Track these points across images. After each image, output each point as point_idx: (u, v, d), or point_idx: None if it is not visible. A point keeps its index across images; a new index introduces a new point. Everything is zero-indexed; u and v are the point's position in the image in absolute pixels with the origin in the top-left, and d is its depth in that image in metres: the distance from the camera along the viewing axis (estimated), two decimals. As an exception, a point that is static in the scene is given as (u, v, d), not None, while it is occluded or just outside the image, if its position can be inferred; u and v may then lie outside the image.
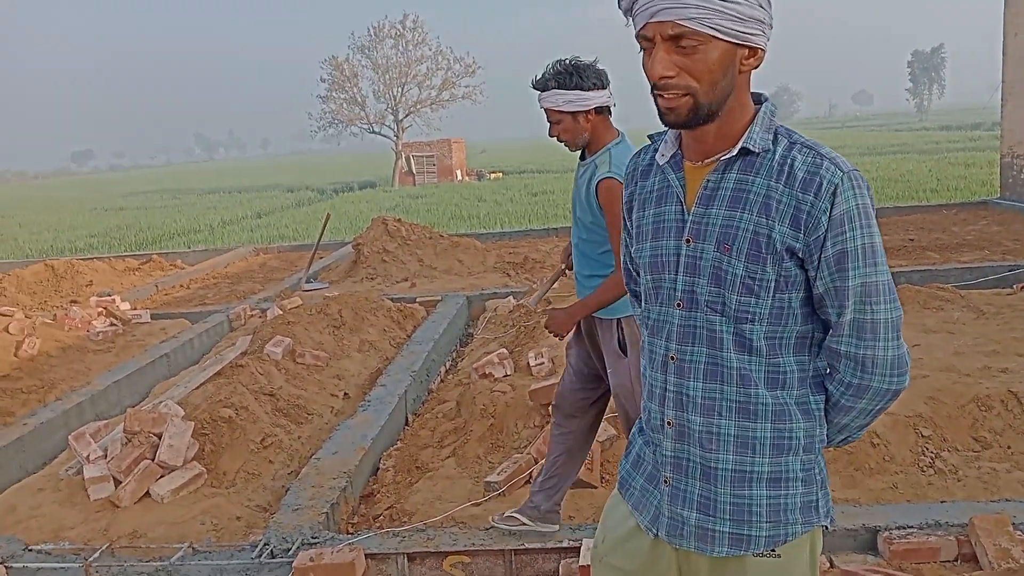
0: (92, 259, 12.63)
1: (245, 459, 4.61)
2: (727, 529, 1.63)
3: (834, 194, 1.48)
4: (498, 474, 3.99)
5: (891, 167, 25.67)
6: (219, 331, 8.09)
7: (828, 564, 3.16)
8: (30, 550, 3.73)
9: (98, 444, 4.64)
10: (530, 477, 4.06)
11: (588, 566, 3.09)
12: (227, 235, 20.59)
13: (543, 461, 4.11)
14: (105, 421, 5.36)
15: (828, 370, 1.64)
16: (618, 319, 2.96)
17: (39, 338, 7.13)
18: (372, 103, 41.45)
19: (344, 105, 41.70)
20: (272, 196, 34.60)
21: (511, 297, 7.52)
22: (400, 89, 41.10)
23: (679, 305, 1.62)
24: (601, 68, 2.78)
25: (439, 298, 8.46)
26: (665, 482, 1.69)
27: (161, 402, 4.97)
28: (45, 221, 28.37)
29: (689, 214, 1.59)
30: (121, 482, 4.28)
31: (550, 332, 3.02)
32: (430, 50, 40.67)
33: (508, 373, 4.96)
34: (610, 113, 2.88)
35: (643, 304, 1.75)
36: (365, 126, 41.88)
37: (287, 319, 6.76)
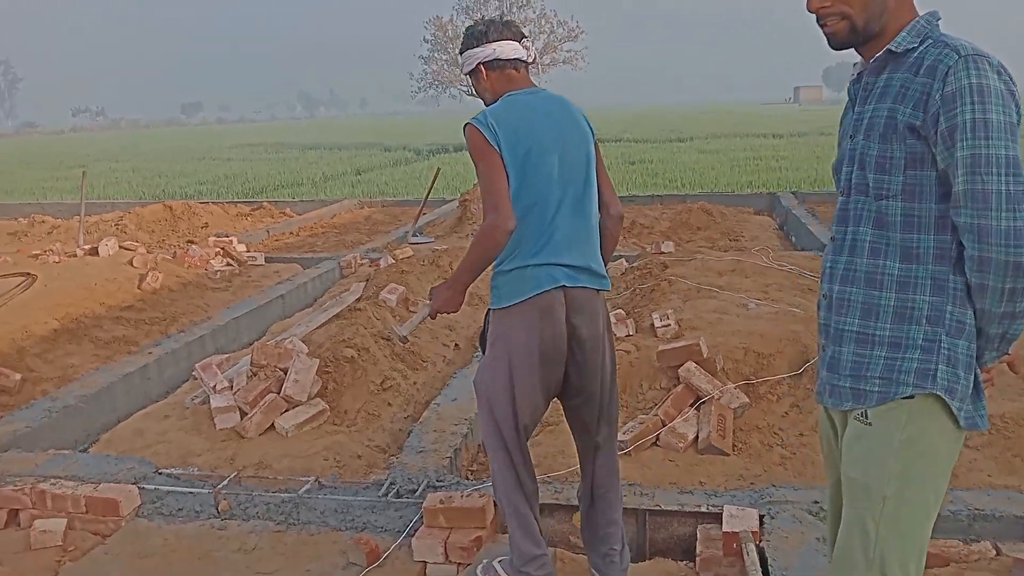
0: (206, 203, 13.00)
1: (365, 399, 4.62)
2: (847, 384, 1.84)
3: (947, 75, 1.65)
4: (624, 433, 3.85)
5: None
6: (331, 277, 8.18)
7: (994, 552, 2.91)
8: (160, 473, 3.81)
9: (224, 375, 4.72)
10: (657, 439, 3.91)
11: (734, 532, 2.94)
12: (328, 190, 20.93)
13: (669, 423, 3.97)
14: (227, 355, 5.46)
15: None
16: (488, 309, 2.70)
17: (161, 273, 7.34)
18: (473, 65, 41.31)
19: (445, 66, 41.79)
20: (371, 155, 35.00)
21: (623, 260, 7.33)
22: (502, 52, 40.80)
23: (842, 193, 1.87)
24: (492, 22, 2.72)
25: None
26: (822, 348, 1.94)
27: (286, 338, 5.01)
28: (157, 168, 29.49)
29: (853, 114, 1.87)
30: (247, 413, 4.34)
31: (439, 312, 2.71)
32: (534, 12, 40.22)
33: (630, 333, 4.80)
34: (518, 67, 2.70)
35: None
36: (464, 88, 41.84)
37: (400, 268, 6.77)
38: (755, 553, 2.80)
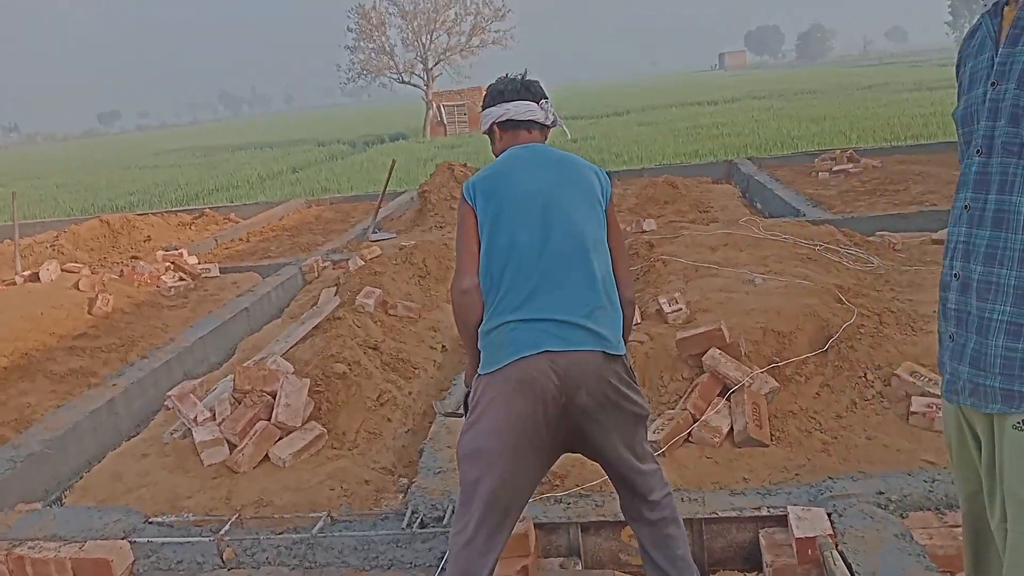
0: (145, 214, 12.32)
1: (364, 417, 4.26)
2: (997, 384, 1.56)
3: None
4: (654, 433, 3.59)
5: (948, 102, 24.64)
6: (294, 284, 7.74)
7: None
8: (151, 522, 3.41)
9: (203, 404, 4.32)
10: (689, 435, 3.66)
11: (809, 538, 2.70)
12: (267, 190, 20.26)
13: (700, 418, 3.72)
14: (199, 379, 5.04)
15: None
16: (477, 374, 2.43)
17: (111, 295, 6.81)
18: (401, 52, 40.63)
19: (373, 55, 40.88)
20: (304, 151, 34.14)
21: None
22: (429, 36, 40.19)
23: (979, 152, 1.59)
24: (512, 81, 2.65)
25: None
26: (951, 338, 1.67)
27: (267, 357, 4.62)
28: (82, 181, 28.17)
29: (997, 56, 1.56)
30: (236, 445, 3.95)
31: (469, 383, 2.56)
32: (459, -7, 39.63)
33: (637, 321, 4.53)
34: (531, 128, 2.59)
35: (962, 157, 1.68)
36: (395, 76, 41.09)
37: (373, 269, 6.38)
38: (841, 561, 2.56)
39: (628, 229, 6.95)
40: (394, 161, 9.69)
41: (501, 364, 2.25)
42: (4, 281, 7.17)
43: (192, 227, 11.93)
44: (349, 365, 4.40)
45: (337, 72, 42.59)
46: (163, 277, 7.69)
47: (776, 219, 6.76)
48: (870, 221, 7.53)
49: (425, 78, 40.50)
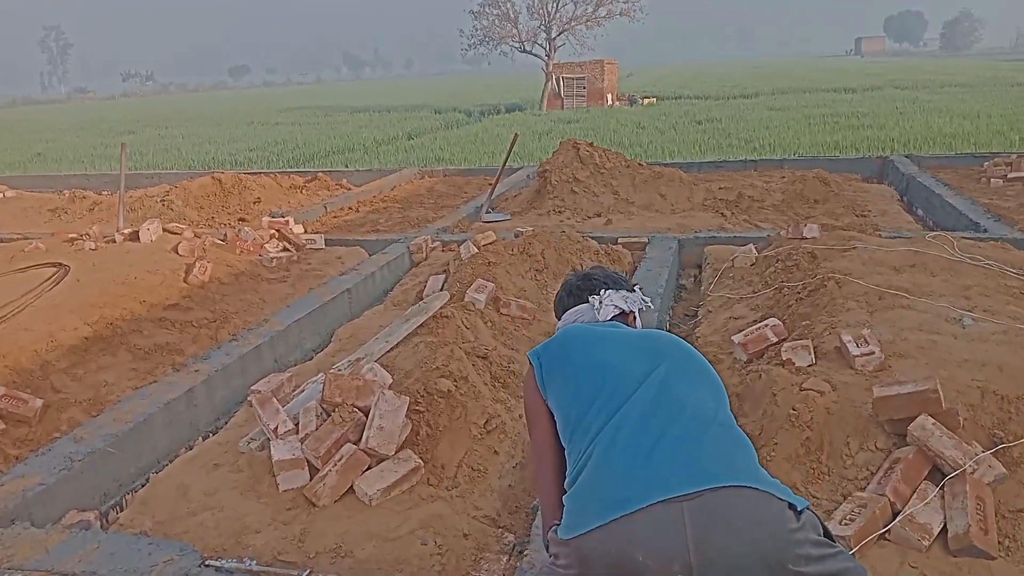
0: (258, 174, 12.05)
1: (467, 447, 3.58)
2: None
3: None
4: (842, 523, 2.75)
5: None
6: (400, 264, 7.15)
7: None
8: (207, 565, 2.83)
9: (287, 410, 3.73)
10: (887, 531, 2.79)
11: None
12: (382, 155, 19.97)
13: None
14: (288, 373, 4.48)
15: None
16: None
17: (210, 262, 6.38)
18: (525, 19, 39.75)
19: (496, 21, 40.20)
20: (421, 117, 33.89)
21: (750, 245, 6.13)
22: (555, 4, 39.13)
23: None
24: (573, 286, 2.39)
25: (645, 239, 7.18)
26: None
27: (363, 361, 3.99)
28: (206, 133, 28.77)
29: None
30: (319, 470, 3.33)
31: None
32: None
33: (812, 362, 3.66)
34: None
35: None
36: (516, 44, 40.30)
37: (487, 259, 5.68)
38: None
39: (784, 233, 6.00)
40: (516, 135, 8.96)
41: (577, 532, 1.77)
42: (105, 238, 6.85)
43: (303, 190, 11.58)
44: (456, 381, 3.71)
45: (460, 37, 42.17)
46: (266, 246, 7.24)
47: (972, 238, 5.66)
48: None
49: (547, 48, 39.56)
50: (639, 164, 9.04)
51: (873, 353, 3.46)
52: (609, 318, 2.19)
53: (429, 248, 7.45)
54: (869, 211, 8.28)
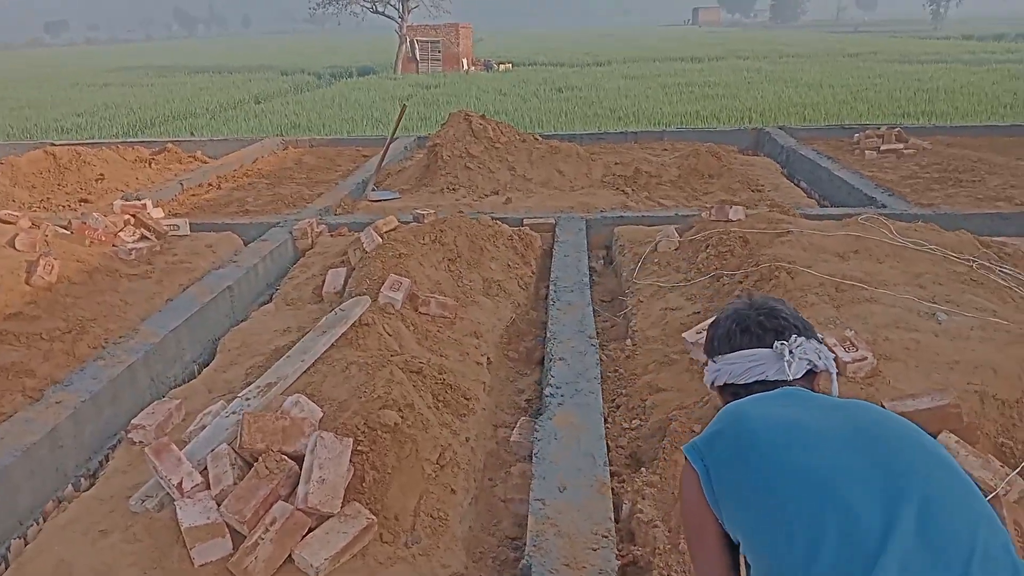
0: (98, 145, 10.64)
1: (422, 490, 3.02)
2: None
3: None
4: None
5: (947, 77, 23.83)
6: (283, 253, 6.37)
7: None
8: None
9: (187, 453, 3.03)
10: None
11: None
12: (230, 122, 18.51)
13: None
14: (174, 400, 3.74)
15: None
16: None
17: (57, 258, 5.38)
18: (376, -22, 38.18)
19: (347, -20, 38.43)
20: (266, 79, 31.93)
21: (672, 228, 5.82)
22: (408, -35, 37.83)
23: None
24: (730, 321, 1.74)
25: (551, 220, 6.75)
26: None
27: (279, 390, 3.32)
28: (25, 96, 25.76)
29: None
30: (244, 537, 2.68)
31: None
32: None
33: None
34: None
35: None
36: (368, 4, 38.71)
37: (397, 250, 5.06)
38: None
39: (706, 215, 5.72)
40: (404, 106, 8.24)
41: None
42: (-84, 230, 5.65)
43: (152, 164, 10.33)
44: (401, 411, 3.13)
45: (307, -4, 40.04)
46: (121, 234, 6.24)
47: (898, 219, 5.57)
48: (965, 220, 6.39)
49: (400, 9, 38.24)
50: (535, 138, 8.58)
51: (865, 359, 3.17)
52: (800, 376, 1.64)
53: (315, 233, 6.69)
54: (762, 186, 8.23)
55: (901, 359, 3.27)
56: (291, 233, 6.59)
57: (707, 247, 5.20)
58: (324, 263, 5.82)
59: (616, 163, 8.43)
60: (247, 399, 3.42)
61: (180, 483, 2.87)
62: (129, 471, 3.38)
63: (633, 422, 3.68)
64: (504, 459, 3.62)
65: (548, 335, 4.49)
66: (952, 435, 2.71)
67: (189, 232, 6.71)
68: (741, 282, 4.55)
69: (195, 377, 4.68)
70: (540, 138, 8.71)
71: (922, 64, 30.85)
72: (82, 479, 3.59)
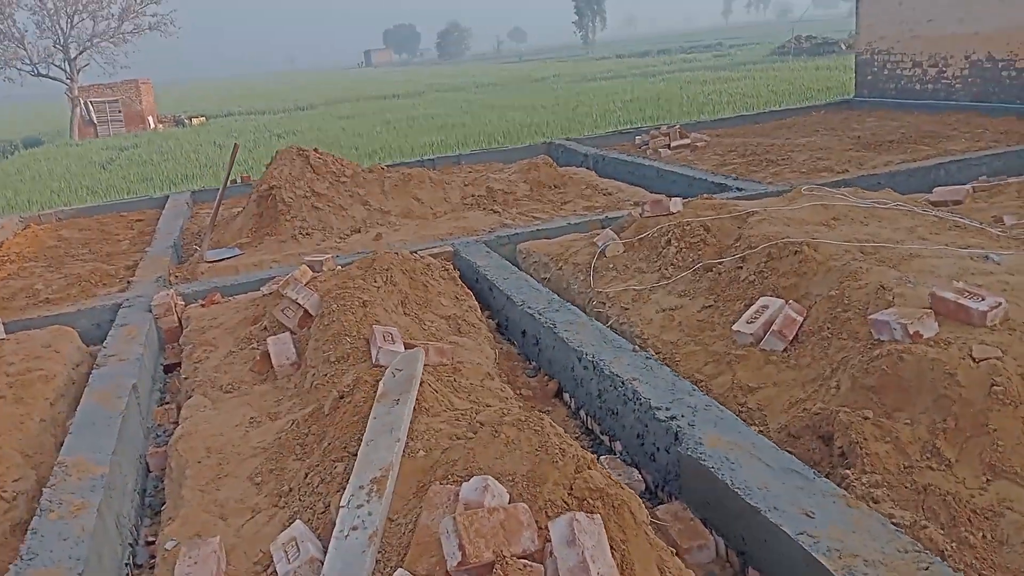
0: None
1: (656, 559, 2.40)
2: None
3: None
4: None
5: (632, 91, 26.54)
6: (152, 337, 5.10)
7: None
8: None
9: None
10: None
11: None
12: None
13: None
14: (210, 541, 2.73)
15: None
16: None
17: None
18: (34, 37, 33.80)
19: (-1, 42, 33.52)
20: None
21: (609, 230, 5.53)
22: (69, 20, 33.95)
23: None
24: None
25: (450, 248, 6.17)
26: None
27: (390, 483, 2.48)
28: None
29: None
30: None
31: None
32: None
33: (937, 330, 3.18)
34: None
35: None
36: (27, 67, 34.13)
37: (359, 298, 4.21)
38: None
39: (638, 213, 5.50)
40: (237, 145, 7.05)
41: None
42: None
43: None
44: (589, 473, 2.48)
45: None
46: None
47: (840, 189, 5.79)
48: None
49: (68, 70, 34.18)
50: (382, 167, 7.83)
51: (1000, 303, 3.12)
52: None
53: (178, 307, 5.46)
54: (608, 190, 8.27)
55: (1013, 301, 3.26)
56: (151, 311, 5.32)
57: (670, 242, 4.99)
58: (232, 336, 4.73)
59: (466, 184, 7.98)
60: (358, 507, 2.53)
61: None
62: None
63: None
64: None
65: (576, 358, 3.97)
66: None
67: (5, 335, 5.14)
68: (740, 266, 4.39)
69: (145, 509, 3.54)
70: (386, 168, 7.99)
71: (606, 80, 34.07)
72: None
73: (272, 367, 4.22)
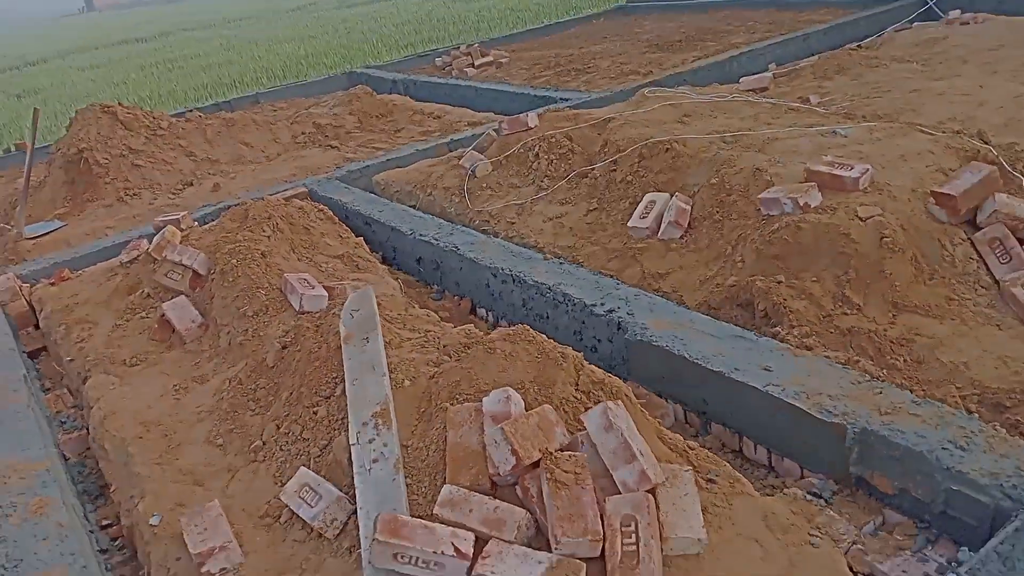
0: None
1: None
2: None
3: None
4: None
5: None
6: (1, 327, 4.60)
7: None
8: None
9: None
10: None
11: None
12: None
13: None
14: (210, 504, 2.69)
15: None
16: None
17: None
18: None
19: None
20: None
21: (471, 151, 5.60)
22: None
23: None
24: None
25: (301, 188, 5.99)
26: None
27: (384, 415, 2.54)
28: None
29: None
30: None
31: None
32: None
33: (820, 200, 3.61)
34: None
35: None
36: None
37: (257, 248, 4.06)
38: None
39: (496, 132, 5.60)
40: (37, 109, 6.21)
41: None
42: None
43: None
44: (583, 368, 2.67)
45: None
46: None
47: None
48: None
49: None
50: (201, 115, 7.27)
51: (868, 169, 3.62)
52: None
53: (23, 289, 4.93)
54: (438, 115, 8.28)
55: (874, 166, 3.78)
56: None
57: (538, 155, 5.18)
58: (109, 310, 4.38)
59: (293, 123, 7.64)
60: (369, 441, 2.57)
61: (459, 548, 2.11)
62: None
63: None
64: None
65: (491, 274, 4.11)
66: (1002, 193, 3.30)
67: None
68: (614, 169, 4.68)
69: (81, 496, 3.33)
70: (203, 115, 7.43)
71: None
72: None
73: (174, 332, 4.00)
